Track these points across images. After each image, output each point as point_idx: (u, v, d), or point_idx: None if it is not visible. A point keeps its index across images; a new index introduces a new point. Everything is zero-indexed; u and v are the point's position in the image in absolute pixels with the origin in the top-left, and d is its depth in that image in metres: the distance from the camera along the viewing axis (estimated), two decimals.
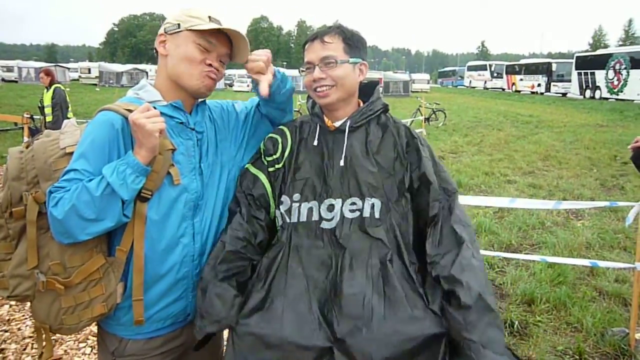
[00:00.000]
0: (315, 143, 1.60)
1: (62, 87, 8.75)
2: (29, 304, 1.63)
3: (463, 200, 4.52)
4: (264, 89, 1.55)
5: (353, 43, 1.57)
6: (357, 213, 1.51)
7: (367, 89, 1.67)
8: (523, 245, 5.30)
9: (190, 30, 1.50)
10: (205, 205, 1.58)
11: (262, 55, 1.58)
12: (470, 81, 58.42)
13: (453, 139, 13.97)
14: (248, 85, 44.86)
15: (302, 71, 1.60)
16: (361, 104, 1.65)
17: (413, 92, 41.45)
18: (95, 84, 46.63)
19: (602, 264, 3.54)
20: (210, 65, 1.53)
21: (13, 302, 3.74)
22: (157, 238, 1.48)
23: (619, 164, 9.97)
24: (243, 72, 54.20)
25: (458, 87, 63.46)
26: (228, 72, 61.53)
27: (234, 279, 1.52)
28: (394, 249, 1.48)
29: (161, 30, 1.55)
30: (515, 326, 3.49)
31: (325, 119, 1.61)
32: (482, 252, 4.47)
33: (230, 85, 50.21)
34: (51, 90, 8.43)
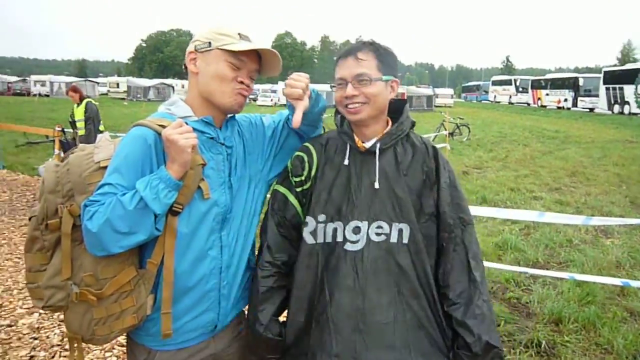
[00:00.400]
0: (347, 162, 1.57)
1: (94, 102, 8.99)
2: (57, 313, 1.66)
3: (491, 212, 4.47)
4: (297, 118, 1.56)
5: (386, 60, 1.56)
6: (384, 237, 1.51)
7: (395, 106, 1.65)
8: (550, 263, 5.19)
9: (221, 49, 1.52)
10: (232, 219, 1.60)
11: (301, 81, 1.58)
12: (495, 96, 57.84)
13: (477, 154, 13.83)
14: (271, 100, 45.35)
15: (333, 87, 1.59)
16: (389, 122, 1.64)
17: (436, 106, 41.23)
18: (124, 98, 47.78)
19: (634, 283, 3.45)
20: (241, 82, 1.56)
21: (42, 311, 3.83)
22: (186, 251, 1.50)
23: None
24: (267, 86, 54.88)
25: (482, 101, 62.89)
26: None
27: (277, 308, 1.63)
28: (420, 278, 1.51)
29: (191, 48, 1.57)
30: (542, 346, 3.41)
31: (356, 139, 1.58)
32: (508, 267, 4.40)
33: (254, 100, 50.79)
34: (83, 105, 8.66)
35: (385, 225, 1.51)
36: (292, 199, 1.63)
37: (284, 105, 1.68)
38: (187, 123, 1.47)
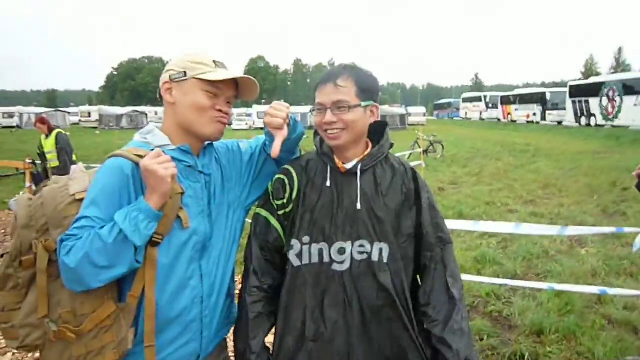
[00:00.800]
0: (328, 184, 1.58)
1: (64, 132, 8.77)
2: (33, 352, 1.60)
3: (468, 226, 4.51)
4: (276, 148, 1.57)
5: (366, 86, 1.56)
6: (366, 255, 1.55)
7: (375, 127, 1.67)
8: (528, 275, 5.26)
9: (197, 78, 1.51)
10: (212, 247, 1.57)
11: (282, 111, 1.59)
12: (466, 112, 59.07)
13: (452, 170, 14.05)
14: (246, 124, 45.32)
15: (313, 111, 1.60)
16: (369, 143, 1.66)
17: (410, 125, 41.90)
18: (95, 127, 47.13)
19: (611, 291, 3.52)
20: (220, 110, 1.55)
21: (16, 350, 3.68)
22: (167, 282, 1.47)
23: (619, 190, 9.99)
24: (242, 110, 54.86)
25: (454, 118, 64.12)
26: None
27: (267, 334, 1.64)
28: (399, 296, 1.56)
29: (166, 78, 1.55)
30: (525, 358, 3.43)
31: (336, 160, 1.59)
32: (488, 280, 4.44)
33: (229, 124, 50.61)
34: (53, 136, 8.35)
35: (367, 244, 1.55)
36: (274, 222, 1.64)
37: (260, 128, 1.70)
38: (164, 152, 1.44)
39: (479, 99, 56.76)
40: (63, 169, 8.24)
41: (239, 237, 1.71)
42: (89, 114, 55.28)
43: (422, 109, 58.69)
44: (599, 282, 4.93)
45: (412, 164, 12.80)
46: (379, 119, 1.72)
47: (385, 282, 1.53)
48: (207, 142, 1.63)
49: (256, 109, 47.60)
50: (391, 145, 1.68)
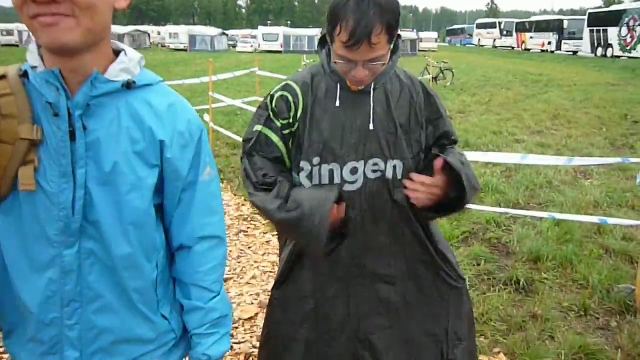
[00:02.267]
0: (338, 104, 1.51)
1: None
2: None
3: (473, 156, 4.45)
4: None
5: (394, 27, 1.38)
6: (379, 173, 1.52)
7: None
8: (530, 204, 5.27)
9: None
10: (93, 235, 1.06)
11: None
12: (479, 39, 57.17)
13: (461, 98, 13.76)
14: (251, 46, 44.12)
15: (336, 62, 1.43)
16: None
17: (420, 50, 40.73)
18: None
19: (611, 220, 3.51)
20: (35, 1, 0.92)
21: None
22: (15, 257, 1.08)
23: (629, 122, 9.81)
24: (246, 31, 53.29)
25: (466, 45, 62.19)
26: (231, 32, 60.54)
27: None
28: (414, 211, 1.55)
29: None
30: (520, 283, 3.50)
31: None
32: (489, 209, 4.46)
33: (234, 46, 49.46)
34: None
35: (380, 162, 1.51)
36: (276, 139, 1.54)
37: (265, 51, 1.51)
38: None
39: (493, 25, 54.69)
40: None
41: (156, 242, 1.16)
42: None
43: (434, 34, 56.78)
44: (600, 213, 4.94)
45: None
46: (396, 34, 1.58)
47: (399, 198, 1.53)
48: (95, 71, 1.01)
49: (261, 30, 46.25)
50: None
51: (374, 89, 1.51)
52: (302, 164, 1.51)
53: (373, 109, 1.50)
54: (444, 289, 1.64)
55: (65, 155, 1.02)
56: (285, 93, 1.53)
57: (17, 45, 45.72)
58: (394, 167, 1.52)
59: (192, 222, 1.18)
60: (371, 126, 1.50)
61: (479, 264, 3.83)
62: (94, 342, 1.11)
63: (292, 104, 1.52)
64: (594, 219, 3.47)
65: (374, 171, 1.51)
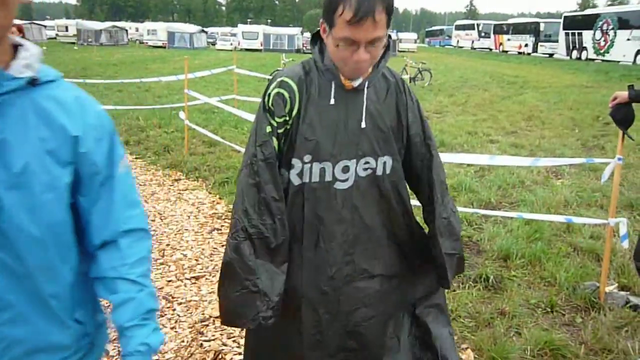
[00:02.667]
0: (332, 102, 1.50)
1: (39, 46, 8.26)
2: None
3: (444, 158, 4.51)
4: None
5: (391, 9, 1.41)
6: (370, 171, 1.56)
7: None
8: (502, 203, 5.36)
9: None
10: (4, 246, 0.99)
11: None
12: (458, 41, 57.87)
13: (438, 99, 13.90)
14: (231, 44, 43.81)
15: (337, 45, 1.41)
16: None
17: (400, 51, 40.94)
18: (74, 43, 45.19)
19: (577, 220, 3.60)
20: None
21: None
22: None
23: (601, 124, 10.03)
24: (226, 29, 52.86)
25: (445, 46, 62.84)
26: (210, 30, 60.03)
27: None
28: (397, 202, 1.63)
29: None
30: (490, 280, 3.55)
31: (342, 78, 1.50)
32: (461, 209, 4.50)
33: (213, 44, 49.03)
34: None
35: (371, 160, 1.55)
36: (273, 139, 1.53)
37: (245, 49, 1.49)
38: None
39: (471, 27, 55.43)
40: None
41: (71, 244, 1.10)
42: (67, 28, 52.88)
43: (414, 35, 57.21)
44: (570, 212, 5.05)
45: None
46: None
47: (385, 190, 1.59)
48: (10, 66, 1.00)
49: (241, 28, 45.99)
50: None
51: (367, 88, 1.53)
52: (294, 161, 1.51)
53: (366, 107, 1.53)
54: (428, 270, 1.74)
55: None
56: (282, 90, 1.51)
57: None
58: (384, 163, 1.57)
59: (115, 217, 1.14)
60: (363, 124, 1.52)
61: None
62: (5, 354, 1.04)
63: (288, 100, 1.50)
64: (561, 218, 3.55)
65: (365, 169, 1.55)
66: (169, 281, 3.58)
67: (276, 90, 1.51)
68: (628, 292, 3.40)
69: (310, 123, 1.50)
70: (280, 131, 1.52)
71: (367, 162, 1.54)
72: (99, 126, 1.10)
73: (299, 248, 1.57)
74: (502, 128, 9.69)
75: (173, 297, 3.35)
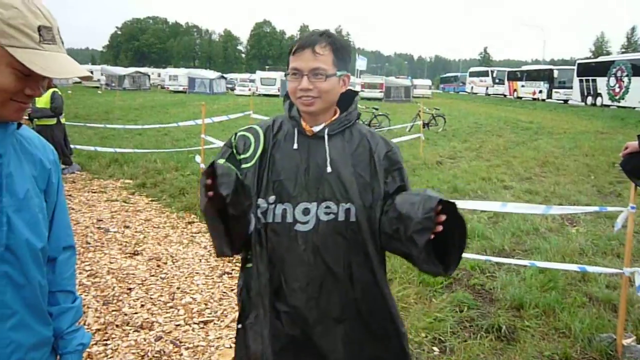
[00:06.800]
0: (296, 147, 1.62)
1: (59, 92, 8.44)
2: None
3: (458, 204, 4.50)
4: None
5: (341, 55, 1.60)
6: (332, 216, 1.58)
7: (345, 97, 1.70)
8: (516, 250, 5.29)
9: (8, 48, 1.06)
10: (8, 256, 1.18)
11: None
12: (472, 87, 58.48)
13: (452, 144, 13.97)
14: (249, 89, 44.90)
15: (287, 75, 1.60)
16: (337, 111, 1.69)
17: (415, 97, 41.48)
18: (98, 87, 46.76)
19: (591, 269, 3.54)
20: (28, 95, 1.15)
21: None
22: None
23: (617, 170, 9.93)
24: (245, 76, 54.28)
25: (460, 93, 63.49)
26: (230, 76, 61.73)
27: None
28: (367, 249, 1.60)
29: None
30: (502, 331, 3.48)
31: (303, 124, 1.63)
32: (474, 256, 4.47)
33: (232, 89, 50.30)
34: (48, 94, 8.04)
35: (333, 205, 1.58)
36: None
37: (263, 95, 1.62)
38: None
39: (485, 74, 56.17)
40: (57, 128, 8.21)
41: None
42: (92, 73, 54.81)
43: (428, 82, 57.93)
44: (585, 260, 4.95)
45: (412, 136, 12.74)
46: (355, 90, 1.75)
47: (348, 237, 1.58)
48: None
49: (259, 74, 47.18)
50: (358, 116, 1.72)
51: (329, 135, 1.63)
52: (260, 201, 1.60)
53: (329, 153, 1.60)
54: (390, 329, 1.66)
55: None
56: (247, 134, 1.68)
57: None
58: (347, 210, 1.58)
59: (58, 236, 1.39)
60: (329, 169, 1.59)
61: (462, 311, 3.81)
62: (11, 356, 1.21)
63: (252, 144, 1.65)
64: (575, 267, 3.49)
65: (327, 213, 1.58)
66: (177, 325, 3.57)
67: (242, 133, 1.70)
68: None
69: (275, 166, 1.61)
70: (243, 167, 1.63)
71: (327, 207, 1.57)
72: (55, 161, 1.36)
73: (262, 301, 1.58)
74: (516, 174, 9.66)
75: (181, 342, 3.34)
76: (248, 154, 1.65)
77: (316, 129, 1.63)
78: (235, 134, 1.71)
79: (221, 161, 1.66)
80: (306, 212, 1.57)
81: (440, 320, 3.63)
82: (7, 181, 1.18)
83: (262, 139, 1.66)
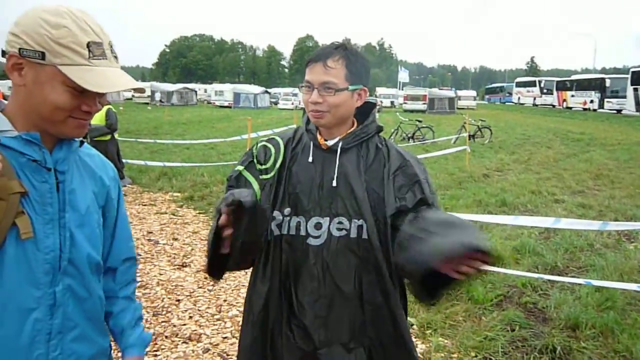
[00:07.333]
0: (310, 160, 1.62)
1: (114, 109, 8.81)
2: None
3: (505, 220, 4.39)
4: None
5: (355, 69, 1.57)
6: (344, 232, 1.57)
7: (364, 109, 1.67)
8: (569, 267, 5.08)
9: (59, 69, 1.10)
10: (74, 270, 1.24)
11: None
12: (519, 98, 57.00)
13: (499, 156, 13.63)
14: (292, 103, 45.48)
15: (302, 87, 1.60)
16: (354, 123, 1.67)
17: (459, 108, 40.84)
18: (147, 103, 48.54)
19: None
20: (86, 111, 1.19)
21: None
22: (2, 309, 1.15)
23: None
24: (288, 90, 55.06)
25: (506, 103, 62.03)
26: (273, 90, 62.79)
27: None
28: (380, 269, 1.57)
29: (13, 48, 1.11)
30: (557, 352, 3.34)
31: (319, 137, 1.63)
32: (524, 274, 4.33)
33: (275, 103, 51.09)
34: (103, 111, 8.33)
35: (345, 221, 1.57)
36: (255, 186, 1.66)
37: (304, 109, 1.66)
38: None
39: (533, 84, 54.61)
40: (111, 144, 8.54)
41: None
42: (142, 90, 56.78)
43: (473, 93, 56.96)
44: None
45: (458, 149, 12.52)
46: (373, 102, 1.74)
47: (362, 256, 1.56)
48: None
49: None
50: (379, 129, 1.68)
51: (343, 149, 1.61)
52: (275, 213, 1.61)
53: (340, 167, 1.59)
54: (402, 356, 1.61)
55: (52, 204, 1.21)
56: (269, 145, 1.69)
57: None
58: (359, 227, 1.55)
59: (119, 248, 1.45)
60: (334, 183, 1.58)
61: (513, 330, 3.69)
62: None
63: (272, 154, 1.66)
64: (634, 286, 3.31)
65: (339, 229, 1.56)
66: (224, 338, 3.62)
67: (263, 143, 1.71)
68: None
69: (292, 178, 1.62)
70: (262, 177, 1.65)
71: (340, 222, 1.56)
72: (115, 177, 1.43)
73: (272, 308, 1.60)
74: (567, 187, 9.31)
75: (228, 355, 3.38)
76: (268, 165, 1.66)
77: (330, 142, 1.63)
78: (257, 143, 1.73)
79: (240, 168, 1.69)
80: (318, 226, 1.57)
81: (490, 339, 3.53)
82: (70, 197, 1.24)
83: (282, 151, 1.67)
